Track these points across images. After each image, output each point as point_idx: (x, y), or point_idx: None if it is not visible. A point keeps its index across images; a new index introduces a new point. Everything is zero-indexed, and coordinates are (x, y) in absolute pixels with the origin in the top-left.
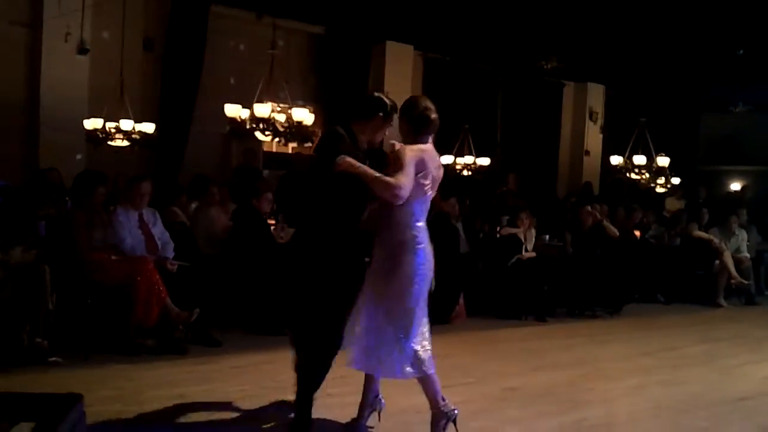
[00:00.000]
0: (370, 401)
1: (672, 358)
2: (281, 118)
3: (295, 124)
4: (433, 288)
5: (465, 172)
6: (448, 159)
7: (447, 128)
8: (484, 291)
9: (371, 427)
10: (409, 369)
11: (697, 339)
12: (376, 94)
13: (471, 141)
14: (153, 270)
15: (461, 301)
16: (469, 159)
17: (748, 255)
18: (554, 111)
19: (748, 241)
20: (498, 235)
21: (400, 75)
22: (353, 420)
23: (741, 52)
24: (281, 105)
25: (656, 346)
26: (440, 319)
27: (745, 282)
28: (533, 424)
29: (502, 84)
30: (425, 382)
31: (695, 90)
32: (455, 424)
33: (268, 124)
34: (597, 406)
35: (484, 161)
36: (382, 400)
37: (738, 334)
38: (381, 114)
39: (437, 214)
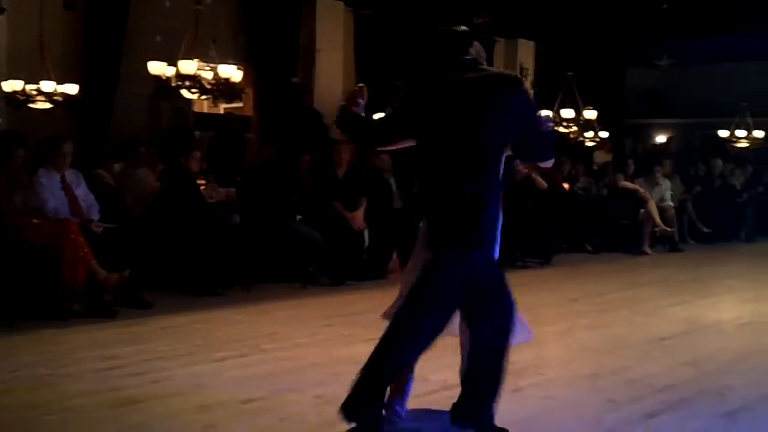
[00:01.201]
0: None
1: (599, 303)
2: (208, 75)
3: (222, 81)
4: (367, 244)
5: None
6: (380, 116)
7: (380, 86)
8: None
9: None
10: None
11: (623, 285)
12: None
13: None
14: (77, 232)
15: (396, 256)
16: None
17: (672, 204)
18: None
19: (671, 190)
20: None
21: (331, 32)
22: None
23: (665, 6)
24: (212, 64)
25: (584, 292)
26: (375, 274)
27: (669, 230)
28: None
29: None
30: None
31: (621, 44)
32: None
33: (195, 81)
34: (526, 349)
35: None
36: None
37: (661, 279)
38: None
39: (370, 169)
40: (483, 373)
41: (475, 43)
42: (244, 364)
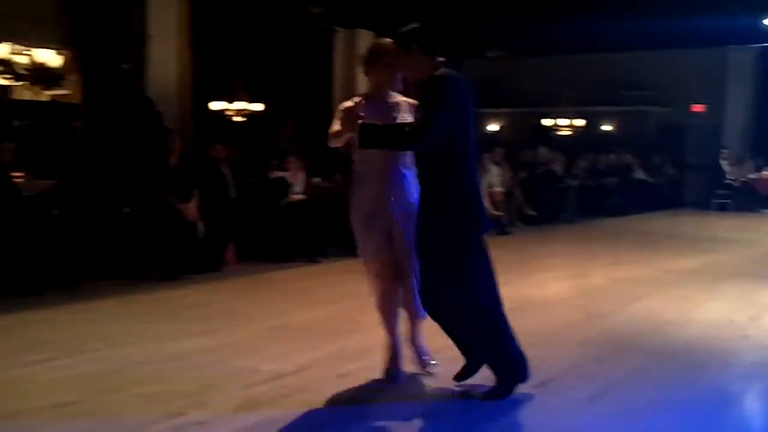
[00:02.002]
0: None
1: None
2: (22, 59)
3: (38, 66)
4: (202, 234)
5: (238, 118)
6: (220, 105)
7: (218, 73)
8: (255, 235)
9: None
10: None
11: None
12: None
13: (243, 86)
14: None
15: (231, 247)
16: (241, 104)
17: (500, 189)
18: (326, 57)
19: (500, 176)
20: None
21: (165, 17)
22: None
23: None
24: (27, 49)
25: None
26: (211, 266)
27: (498, 214)
28: (294, 357)
29: (273, 28)
30: None
31: (456, 35)
32: None
33: (7, 66)
34: (357, 335)
35: (258, 107)
36: None
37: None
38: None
39: (204, 159)
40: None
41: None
42: (64, 365)
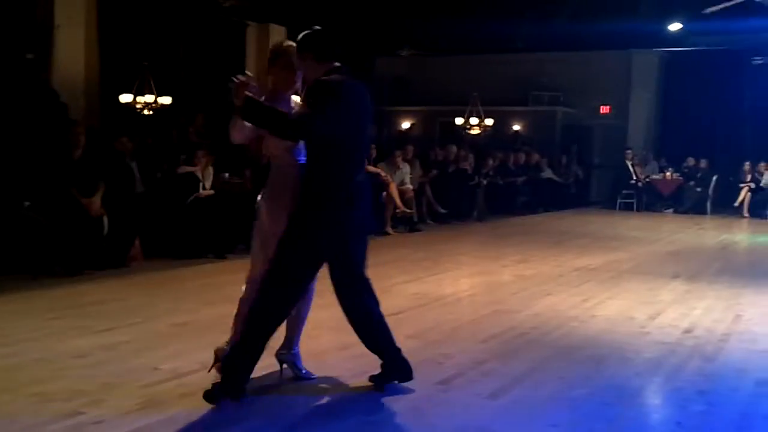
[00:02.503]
0: None
1: None
2: None
3: None
4: (106, 230)
5: (146, 111)
6: (127, 98)
7: (126, 65)
8: (162, 231)
9: None
10: None
11: None
12: None
13: (152, 79)
14: None
15: (137, 242)
16: (150, 98)
17: (411, 187)
18: (238, 51)
19: (411, 174)
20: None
21: (71, 7)
22: None
23: None
24: None
25: (323, 272)
26: (116, 262)
27: (409, 211)
28: (195, 356)
29: (184, 21)
30: None
31: (367, 32)
32: None
33: None
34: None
35: (166, 100)
36: None
37: (399, 258)
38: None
39: (110, 152)
40: None
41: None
42: None
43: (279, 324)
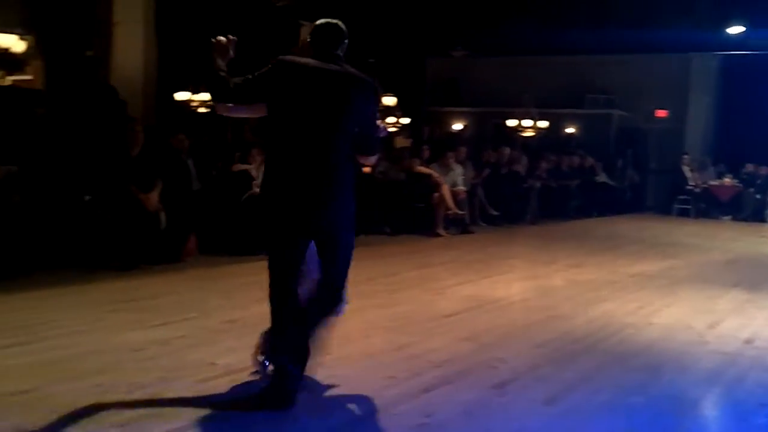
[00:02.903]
0: None
1: (390, 283)
2: None
3: (1, 51)
4: (163, 225)
5: (202, 109)
6: (183, 96)
7: (183, 63)
8: (217, 228)
9: None
10: None
11: (415, 265)
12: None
13: None
14: None
15: (192, 238)
16: (206, 96)
17: (463, 188)
18: (291, 51)
19: (463, 175)
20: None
21: (130, 5)
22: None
23: None
24: None
25: (378, 272)
26: (171, 257)
27: (461, 213)
28: (248, 352)
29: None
30: None
31: (420, 33)
32: None
33: None
34: None
35: None
36: None
37: (451, 260)
38: None
39: (167, 150)
40: None
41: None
42: (18, 353)
43: (280, 315)
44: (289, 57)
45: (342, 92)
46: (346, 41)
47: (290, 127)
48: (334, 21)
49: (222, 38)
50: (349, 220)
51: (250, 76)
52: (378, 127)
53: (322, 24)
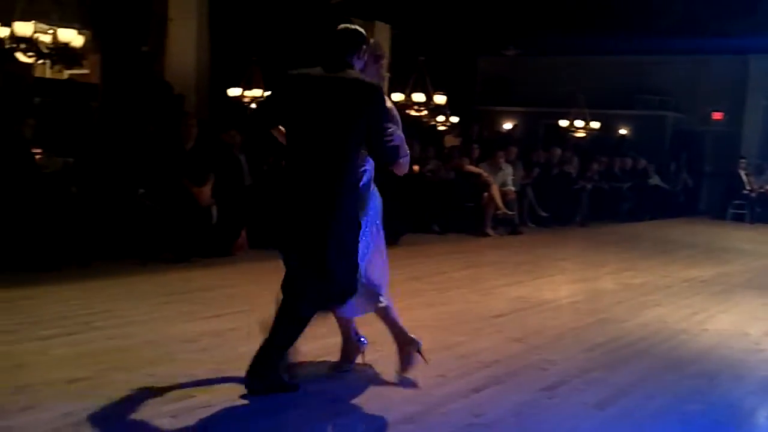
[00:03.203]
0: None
1: (439, 282)
2: (46, 38)
3: (61, 45)
4: (215, 219)
5: (253, 105)
6: (236, 91)
7: (235, 60)
8: (267, 223)
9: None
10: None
11: (464, 264)
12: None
13: (260, 74)
14: None
15: (243, 233)
16: (257, 92)
17: (513, 188)
18: None
19: (513, 175)
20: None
21: (185, 1)
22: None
23: None
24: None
25: (427, 271)
26: (223, 251)
27: (510, 213)
28: (301, 347)
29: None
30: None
31: (471, 32)
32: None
33: (31, 44)
34: (363, 326)
35: None
36: (364, 340)
37: (500, 260)
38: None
39: (219, 144)
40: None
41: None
42: (73, 342)
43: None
44: (295, 70)
45: (344, 99)
46: (364, 47)
47: (296, 137)
48: (352, 27)
49: None
50: (347, 233)
51: (263, 99)
52: (389, 134)
53: (338, 30)
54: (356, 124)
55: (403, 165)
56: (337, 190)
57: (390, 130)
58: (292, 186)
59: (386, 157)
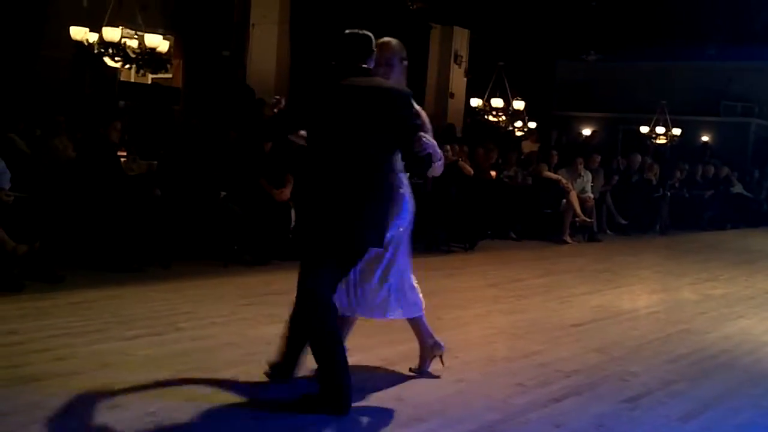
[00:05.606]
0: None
1: (517, 289)
2: (133, 43)
3: (148, 50)
4: (293, 222)
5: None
6: None
7: (315, 64)
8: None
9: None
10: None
11: (542, 272)
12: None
13: None
14: None
15: None
16: None
17: (592, 195)
18: (422, 53)
19: (592, 182)
20: None
21: (267, 7)
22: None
23: (594, 2)
24: (138, 32)
25: (504, 278)
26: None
27: (588, 220)
28: (379, 351)
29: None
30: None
31: (551, 37)
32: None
33: (119, 49)
34: (440, 332)
35: None
36: (442, 344)
37: (578, 268)
38: None
39: (299, 147)
40: None
41: (390, 42)
42: (156, 342)
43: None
44: (321, 79)
45: (367, 107)
46: (374, 52)
47: (321, 145)
48: (362, 32)
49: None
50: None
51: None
52: (419, 141)
53: (347, 35)
54: (379, 130)
55: (437, 169)
56: (367, 196)
57: (422, 138)
58: (319, 195)
59: (419, 164)
